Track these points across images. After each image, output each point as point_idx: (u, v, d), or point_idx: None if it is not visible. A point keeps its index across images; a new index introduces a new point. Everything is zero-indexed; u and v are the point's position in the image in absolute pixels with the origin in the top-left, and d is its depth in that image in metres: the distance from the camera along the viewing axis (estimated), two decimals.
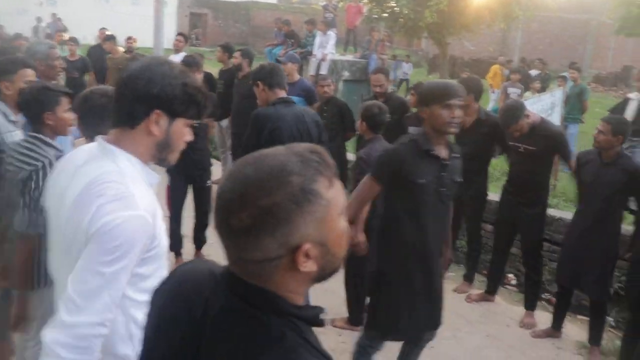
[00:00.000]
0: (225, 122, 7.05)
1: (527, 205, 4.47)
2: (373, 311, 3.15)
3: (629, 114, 5.78)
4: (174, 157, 1.68)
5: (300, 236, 1.00)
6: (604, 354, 4.18)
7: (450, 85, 3.00)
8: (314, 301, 1.42)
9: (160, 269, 1.63)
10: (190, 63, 5.08)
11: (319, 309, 1.08)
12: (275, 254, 1.01)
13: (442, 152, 2.95)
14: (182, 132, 1.63)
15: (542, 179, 4.53)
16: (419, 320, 3.04)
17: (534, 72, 13.08)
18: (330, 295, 4.01)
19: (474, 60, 21.64)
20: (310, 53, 11.55)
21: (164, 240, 1.65)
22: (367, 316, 3.24)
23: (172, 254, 4.79)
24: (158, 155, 1.64)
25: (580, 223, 4.13)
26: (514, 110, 4.29)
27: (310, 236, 1.01)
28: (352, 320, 4.17)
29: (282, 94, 3.87)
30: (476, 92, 4.72)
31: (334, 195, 1.04)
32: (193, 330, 1.08)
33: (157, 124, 1.57)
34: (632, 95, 5.75)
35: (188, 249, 5.09)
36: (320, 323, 1.08)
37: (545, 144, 4.30)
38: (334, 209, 1.04)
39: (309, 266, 1.02)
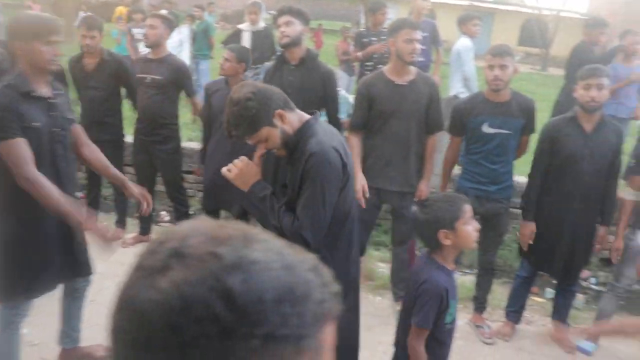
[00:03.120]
0: None
1: (160, 142, 4.62)
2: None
3: (245, 43, 6.25)
4: None
5: None
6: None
7: (51, 20, 2.73)
8: None
9: None
10: None
11: None
12: None
13: (45, 91, 2.70)
14: None
15: (171, 112, 4.66)
16: (53, 272, 2.85)
17: (163, 12, 13.08)
18: None
19: (102, 3, 20.82)
20: None
21: None
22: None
23: None
24: None
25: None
26: None
27: None
28: None
29: None
30: (99, 28, 4.58)
31: None
32: None
33: None
34: (243, 26, 6.19)
35: None
36: None
37: (170, 74, 4.48)
38: None
39: None
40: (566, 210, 3.68)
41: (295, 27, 3.94)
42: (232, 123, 2.19)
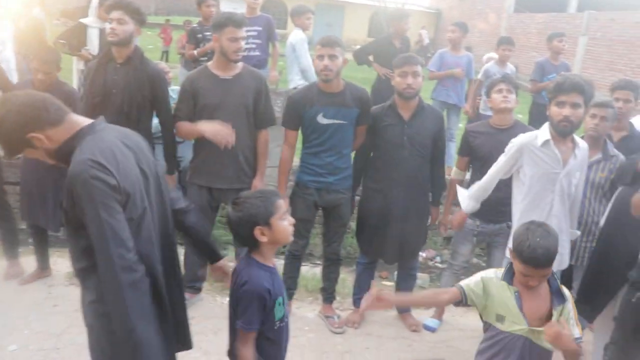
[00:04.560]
0: None
1: None
2: None
3: (92, 41, 5.75)
4: None
5: None
6: None
7: None
8: None
9: None
10: None
11: None
12: None
13: None
14: None
15: None
16: None
17: None
18: None
19: None
20: None
21: None
22: None
23: None
24: None
25: None
26: None
27: None
28: None
29: None
30: None
31: None
32: None
33: None
34: (88, 21, 5.71)
35: None
36: None
37: None
38: None
39: None
40: (392, 197, 3.79)
41: (128, 27, 3.73)
42: None
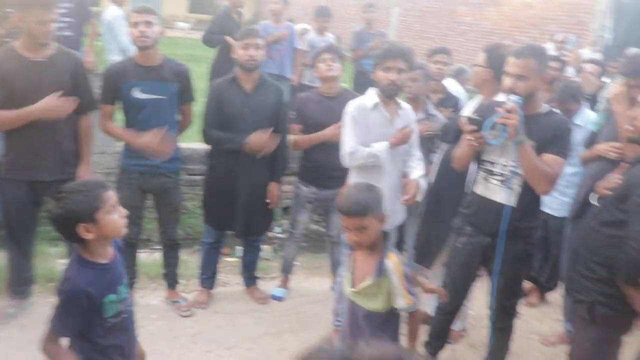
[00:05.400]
0: None
1: None
2: None
3: None
4: None
5: None
6: None
7: None
8: None
9: None
10: None
11: None
12: None
13: None
14: None
15: None
16: None
17: None
18: None
19: None
20: None
21: None
22: None
23: None
24: None
25: None
26: None
27: None
28: None
29: None
30: None
31: None
32: None
33: None
34: None
35: None
36: None
37: None
38: None
39: None
40: (236, 169, 3.77)
41: None
42: None
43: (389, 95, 3.30)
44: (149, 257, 4.52)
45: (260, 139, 3.66)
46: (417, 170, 3.41)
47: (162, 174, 3.68)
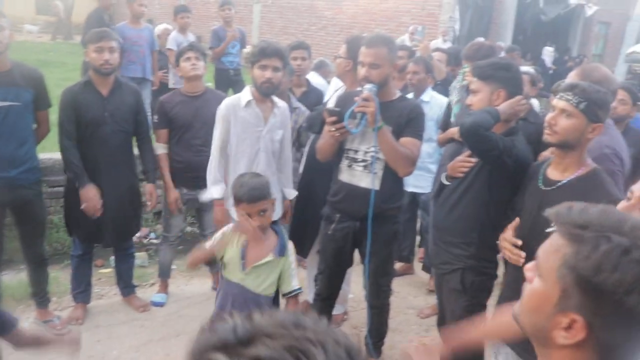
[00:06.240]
0: None
1: None
2: None
3: None
4: None
5: None
6: None
7: None
8: None
9: None
10: None
11: None
12: None
13: None
14: None
15: None
16: None
17: None
18: None
19: None
20: None
21: None
22: None
23: None
24: None
25: None
26: None
27: None
28: None
29: None
30: None
31: None
32: None
33: None
34: None
35: None
36: None
37: None
38: None
39: None
40: (99, 175, 3.63)
41: None
42: None
43: (264, 93, 3.32)
44: (14, 278, 4.23)
45: (93, 198, 3.59)
46: (292, 191, 3.63)
47: (20, 186, 3.46)
